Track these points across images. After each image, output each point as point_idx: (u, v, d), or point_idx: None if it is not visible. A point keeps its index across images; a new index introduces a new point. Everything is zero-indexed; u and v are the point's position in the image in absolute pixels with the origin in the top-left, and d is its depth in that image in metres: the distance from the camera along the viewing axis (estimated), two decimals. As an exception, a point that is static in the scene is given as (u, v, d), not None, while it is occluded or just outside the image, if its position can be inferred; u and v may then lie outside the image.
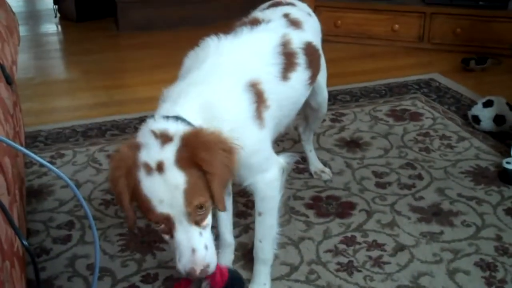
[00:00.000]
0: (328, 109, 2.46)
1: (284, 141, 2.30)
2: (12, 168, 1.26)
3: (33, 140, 2.35)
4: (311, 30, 1.61)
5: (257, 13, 1.64)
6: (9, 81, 1.48)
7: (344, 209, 1.89)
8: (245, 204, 1.89)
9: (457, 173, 2.07)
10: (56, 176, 2.00)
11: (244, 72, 1.37)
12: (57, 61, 3.50)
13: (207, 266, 1.21)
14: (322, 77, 1.83)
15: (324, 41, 3.28)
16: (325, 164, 2.12)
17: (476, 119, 2.34)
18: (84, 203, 1.19)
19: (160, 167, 1.17)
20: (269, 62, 1.45)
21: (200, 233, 1.21)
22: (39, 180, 2.07)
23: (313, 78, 1.61)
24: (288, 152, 2.18)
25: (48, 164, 1.13)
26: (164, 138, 1.20)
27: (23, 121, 2.04)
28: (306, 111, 1.95)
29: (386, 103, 2.64)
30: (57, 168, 2.12)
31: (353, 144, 2.29)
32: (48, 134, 2.41)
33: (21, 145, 1.70)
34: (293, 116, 1.62)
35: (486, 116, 2.31)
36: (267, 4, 1.72)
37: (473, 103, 2.48)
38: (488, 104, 2.32)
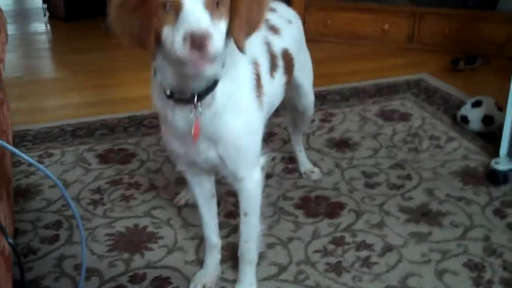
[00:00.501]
0: (318, 109, 2.49)
1: (274, 141, 2.30)
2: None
3: (21, 139, 2.33)
4: (288, 38, 1.60)
5: None
6: (-3, 82, 1.47)
7: (333, 209, 1.89)
8: (234, 204, 1.88)
9: (446, 174, 2.08)
10: (44, 176, 2.00)
11: (248, 50, 1.33)
12: (45, 60, 3.48)
13: (209, 35, 1.07)
14: (308, 80, 1.83)
15: (314, 41, 3.30)
16: (314, 164, 2.12)
17: (465, 120, 2.35)
18: (71, 201, 1.18)
19: None
20: (263, 55, 1.46)
21: (211, 19, 1.10)
22: (26, 179, 2.06)
23: (288, 84, 1.62)
24: (278, 152, 2.21)
25: (35, 163, 1.12)
26: None
27: (11, 120, 2.02)
28: (293, 113, 1.95)
29: (375, 103, 2.65)
30: (45, 167, 2.12)
31: (343, 144, 2.30)
32: (36, 133, 2.39)
33: (9, 143, 1.68)
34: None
35: (474, 116, 2.32)
36: None
37: (462, 103, 2.49)
38: (477, 104, 2.33)
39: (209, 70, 1.16)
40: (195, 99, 1.23)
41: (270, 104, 1.52)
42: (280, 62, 1.54)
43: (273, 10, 1.62)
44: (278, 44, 1.54)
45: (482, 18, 3.14)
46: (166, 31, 1.10)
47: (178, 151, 1.39)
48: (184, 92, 1.23)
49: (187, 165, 1.44)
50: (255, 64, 1.39)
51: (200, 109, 1.25)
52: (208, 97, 1.25)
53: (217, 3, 1.12)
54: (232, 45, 1.21)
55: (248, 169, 1.41)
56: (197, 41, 1.05)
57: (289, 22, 1.66)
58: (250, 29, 1.21)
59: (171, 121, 1.30)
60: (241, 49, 1.19)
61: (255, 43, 1.43)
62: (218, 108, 1.28)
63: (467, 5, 3.18)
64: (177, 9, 1.09)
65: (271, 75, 1.49)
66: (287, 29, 1.61)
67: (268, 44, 1.50)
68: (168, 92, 1.24)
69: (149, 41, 1.13)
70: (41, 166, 1.13)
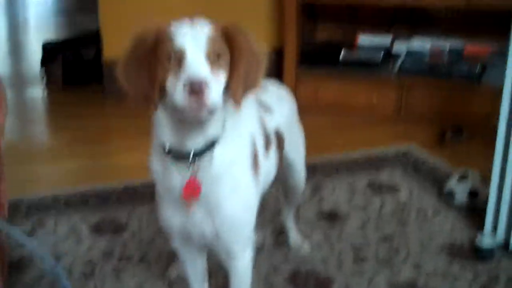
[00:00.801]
0: (308, 181, 2.52)
1: (265, 213, 2.34)
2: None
3: (14, 209, 2.36)
4: (280, 116, 1.67)
5: None
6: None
7: (323, 286, 1.91)
8: (225, 277, 1.90)
9: (433, 247, 2.11)
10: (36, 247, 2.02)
11: (247, 125, 1.42)
12: (41, 126, 3.54)
13: (207, 84, 1.14)
14: (299, 156, 1.89)
15: (304, 111, 3.38)
16: (304, 236, 2.16)
17: (451, 193, 2.40)
18: (64, 278, 1.21)
19: (192, 21, 1.22)
20: (259, 132, 1.52)
21: (211, 72, 1.18)
22: (20, 250, 2.08)
23: (279, 161, 1.68)
24: (269, 223, 2.25)
25: (27, 241, 1.15)
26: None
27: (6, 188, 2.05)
28: (284, 187, 2.00)
29: (364, 175, 2.71)
30: (38, 238, 2.14)
31: (332, 216, 2.34)
32: (30, 203, 2.42)
33: (4, 217, 1.72)
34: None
35: (460, 190, 2.38)
36: None
37: (449, 176, 2.55)
38: (462, 178, 2.39)
39: (208, 123, 1.24)
40: (191, 155, 1.28)
41: (265, 182, 1.57)
42: (273, 140, 1.60)
43: (265, 89, 1.68)
44: (271, 122, 1.60)
45: (467, 91, 3.25)
46: (170, 81, 1.18)
47: (173, 224, 1.42)
48: (182, 148, 1.28)
49: (182, 240, 1.47)
50: (253, 141, 1.44)
51: (196, 167, 1.29)
52: (206, 158, 1.29)
53: (218, 56, 1.20)
54: (232, 108, 1.28)
55: (242, 246, 1.45)
56: (196, 89, 1.13)
57: (281, 100, 1.72)
58: (248, 87, 1.28)
59: (168, 183, 1.34)
60: (237, 104, 1.25)
61: (251, 120, 1.50)
62: (217, 175, 1.32)
63: (453, 78, 3.28)
64: (181, 59, 1.18)
65: (266, 153, 1.54)
66: (279, 108, 1.67)
67: (262, 122, 1.55)
68: (166, 148, 1.29)
69: (153, 93, 1.21)
70: (31, 244, 1.15)
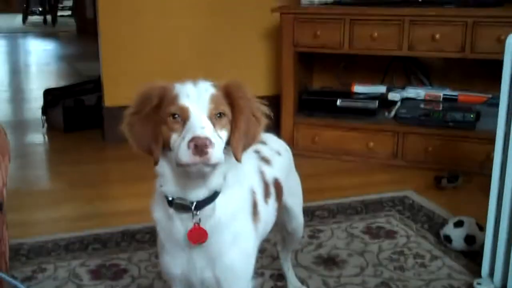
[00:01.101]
0: (306, 225, 2.54)
1: (263, 258, 2.35)
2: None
3: (15, 253, 2.38)
4: (278, 167, 1.71)
5: None
6: (0, 206, 1.54)
7: (321, 330, 1.92)
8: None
9: (430, 293, 2.13)
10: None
11: (247, 177, 1.48)
12: (42, 171, 3.58)
13: (211, 143, 1.21)
14: (297, 203, 1.92)
15: (302, 156, 3.42)
16: (302, 282, 2.17)
17: (448, 239, 2.43)
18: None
19: (195, 82, 1.31)
20: (258, 183, 1.57)
21: (213, 130, 1.25)
22: (19, 295, 2.08)
23: (278, 210, 1.72)
24: (267, 269, 2.26)
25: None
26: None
27: (7, 233, 2.07)
28: (283, 233, 2.03)
29: (362, 220, 2.73)
30: (38, 283, 2.15)
31: (330, 261, 2.35)
32: (30, 248, 2.44)
33: (6, 264, 1.73)
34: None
35: (457, 236, 2.40)
36: None
37: (445, 221, 2.58)
38: (458, 224, 2.42)
39: (211, 176, 1.30)
40: (193, 206, 1.32)
41: (264, 230, 1.60)
42: (272, 190, 1.64)
43: (264, 143, 1.73)
44: (270, 173, 1.65)
45: (462, 137, 3.31)
46: (174, 138, 1.25)
47: (175, 271, 1.45)
48: (184, 199, 1.33)
49: (182, 287, 1.49)
50: (253, 192, 1.50)
51: (198, 217, 1.34)
52: (209, 208, 1.34)
53: (220, 115, 1.28)
54: (234, 161, 1.33)
55: None
56: (199, 147, 1.19)
57: (279, 153, 1.77)
58: (248, 143, 1.35)
59: (171, 231, 1.38)
60: (238, 159, 1.32)
61: (251, 172, 1.56)
62: (219, 224, 1.36)
63: (448, 125, 3.34)
64: (185, 118, 1.25)
65: (265, 202, 1.58)
66: (277, 160, 1.72)
67: (261, 173, 1.61)
68: (169, 198, 1.34)
69: (156, 147, 1.29)
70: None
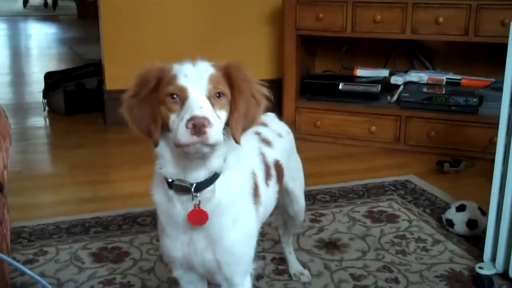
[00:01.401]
0: (308, 209, 2.56)
1: (264, 241, 2.35)
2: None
3: (17, 236, 2.38)
4: (279, 149, 1.70)
5: None
6: (0, 188, 1.54)
7: (322, 313, 1.92)
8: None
9: (432, 277, 2.13)
10: (38, 274, 2.03)
11: (248, 159, 1.47)
12: (44, 155, 3.57)
13: (209, 122, 1.19)
14: (299, 187, 1.91)
15: (304, 140, 3.41)
16: (304, 265, 2.17)
17: (450, 223, 2.42)
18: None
19: (193, 63, 1.29)
20: (259, 165, 1.56)
21: (212, 110, 1.23)
22: (21, 278, 2.09)
23: (279, 193, 1.71)
24: (268, 252, 2.26)
25: (29, 271, 1.17)
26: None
27: (9, 216, 2.07)
28: (284, 217, 2.02)
29: (363, 204, 2.73)
30: (39, 266, 2.16)
31: (332, 245, 2.35)
32: (32, 230, 2.44)
33: (7, 246, 1.73)
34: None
35: (459, 220, 2.40)
36: None
37: (447, 205, 2.58)
38: (461, 208, 2.41)
39: (210, 157, 1.28)
40: (193, 188, 1.31)
41: (265, 213, 1.59)
42: (273, 172, 1.63)
43: (265, 124, 1.73)
44: (271, 155, 1.64)
45: (465, 122, 3.29)
46: (172, 118, 1.24)
47: (175, 253, 1.44)
48: (184, 181, 1.32)
49: (183, 269, 1.49)
50: (254, 174, 1.49)
51: (198, 199, 1.32)
52: (209, 190, 1.33)
53: (219, 95, 1.26)
54: (233, 142, 1.32)
55: (242, 276, 1.47)
56: (198, 127, 1.17)
57: (280, 135, 1.76)
58: (247, 124, 1.34)
59: (171, 213, 1.37)
60: (237, 141, 1.30)
61: (252, 154, 1.55)
62: (219, 206, 1.35)
63: (450, 109, 3.32)
64: (183, 98, 1.23)
65: (266, 184, 1.58)
66: (278, 142, 1.72)
67: (262, 155, 1.60)
68: (169, 180, 1.33)
69: (155, 128, 1.27)
70: (32, 273, 1.17)
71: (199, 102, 1.22)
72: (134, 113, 1.30)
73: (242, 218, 1.42)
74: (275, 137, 1.72)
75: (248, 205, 1.44)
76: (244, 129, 1.33)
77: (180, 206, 1.34)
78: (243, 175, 1.43)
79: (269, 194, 1.59)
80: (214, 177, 1.33)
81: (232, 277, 1.45)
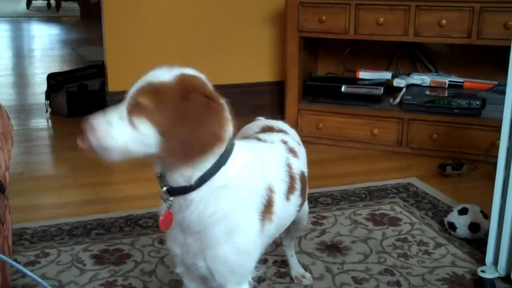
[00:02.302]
0: (310, 212, 2.54)
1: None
2: (1, 277, 1.29)
3: (19, 238, 2.38)
4: (303, 160, 1.66)
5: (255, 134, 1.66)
6: (2, 189, 1.55)
7: (324, 316, 1.92)
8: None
9: (434, 280, 2.12)
10: (40, 277, 2.03)
11: (266, 175, 1.43)
12: (46, 156, 3.57)
13: (92, 127, 1.23)
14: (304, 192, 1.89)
15: (306, 142, 3.41)
16: (305, 268, 2.17)
17: (452, 226, 2.41)
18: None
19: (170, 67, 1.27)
20: (282, 179, 1.51)
21: (120, 117, 1.23)
22: (23, 280, 2.09)
23: (301, 206, 1.67)
24: (270, 255, 2.26)
25: (30, 273, 1.17)
26: None
27: (11, 217, 2.07)
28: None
29: (365, 206, 2.72)
30: (41, 267, 2.16)
31: (334, 248, 2.35)
32: (34, 232, 2.44)
33: (9, 247, 1.73)
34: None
35: (461, 223, 2.39)
36: (256, 126, 1.72)
37: (450, 209, 2.57)
38: (463, 211, 2.40)
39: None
40: (164, 189, 1.31)
41: (278, 229, 1.55)
42: (298, 185, 1.57)
43: (285, 132, 1.68)
44: (297, 167, 1.58)
45: (468, 125, 3.28)
46: None
47: (175, 250, 1.43)
48: (161, 180, 1.32)
49: (184, 267, 1.48)
50: (269, 190, 1.42)
51: (169, 203, 1.32)
52: (180, 199, 1.31)
53: (137, 104, 1.21)
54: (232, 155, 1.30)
55: (236, 285, 1.44)
56: (84, 130, 1.23)
57: (299, 144, 1.71)
58: (191, 144, 1.21)
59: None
60: (174, 160, 1.24)
61: (276, 167, 1.50)
62: (203, 214, 1.31)
63: (453, 112, 3.32)
64: None
65: (288, 198, 1.52)
66: (301, 151, 1.67)
67: (289, 166, 1.54)
68: (158, 176, 1.34)
69: None
70: (35, 276, 1.17)
71: (105, 112, 1.24)
72: None
73: (238, 232, 1.36)
74: (297, 145, 1.67)
75: (249, 220, 1.38)
76: (187, 149, 1.21)
77: (162, 204, 1.35)
78: (245, 190, 1.36)
79: (288, 208, 1.55)
80: (184, 189, 1.29)
81: (225, 286, 1.43)
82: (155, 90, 1.21)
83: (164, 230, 1.37)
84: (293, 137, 1.70)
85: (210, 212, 1.32)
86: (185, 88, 1.22)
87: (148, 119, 1.21)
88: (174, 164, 1.25)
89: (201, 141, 1.21)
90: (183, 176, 1.28)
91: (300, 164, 1.61)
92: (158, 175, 1.33)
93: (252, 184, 1.38)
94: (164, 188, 1.31)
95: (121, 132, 1.23)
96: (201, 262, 1.39)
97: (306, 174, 1.66)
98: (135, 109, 1.22)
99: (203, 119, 1.21)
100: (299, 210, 1.68)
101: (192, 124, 1.20)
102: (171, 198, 1.31)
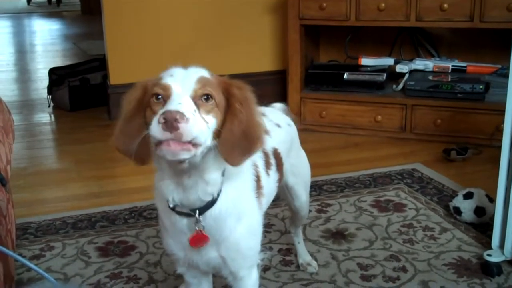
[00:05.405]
0: (314, 200, 2.55)
1: (271, 232, 2.34)
2: (3, 269, 1.29)
3: (23, 232, 2.38)
4: (277, 139, 1.66)
5: None
6: (3, 182, 1.54)
7: (330, 303, 1.91)
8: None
9: (440, 265, 2.11)
10: (46, 270, 2.03)
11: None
12: (49, 150, 3.57)
13: (183, 117, 1.07)
14: (301, 183, 1.88)
15: (310, 130, 3.40)
16: (311, 256, 2.16)
17: (457, 211, 2.40)
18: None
19: (187, 67, 1.21)
20: (259, 155, 1.52)
21: (195, 110, 1.12)
22: (28, 273, 2.09)
23: (279, 182, 1.68)
24: (275, 243, 2.25)
25: (34, 266, 1.17)
26: None
27: (15, 211, 2.07)
28: (290, 209, 2.01)
29: (370, 193, 2.71)
30: (46, 261, 2.16)
31: (339, 235, 2.34)
32: (38, 226, 2.44)
33: (12, 241, 1.73)
34: None
35: (466, 207, 2.38)
36: None
37: (455, 193, 2.56)
38: (468, 196, 2.39)
39: (205, 168, 1.21)
40: (197, 214, 1.28)
41: (267, 203, 1.58)
42: (272, 160, 1.60)
43: (263, 114, 1.69)
44: (268, 143, 1.58)
45: (471, 109, 3.26)
46: (151, 117, 1.14)
47: (178, 254, 1.43)
48: (185, 206, 1.27)
49: (187, 267, 1.47)
50: (255, 166, 1.46)
51: (202, 223, 1.30)
52: (206, 215, 1.30)
53: (207, 97, 1.16)
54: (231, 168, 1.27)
55: (248, 269, 1.46)
56: (169, 121, 1.07)
57: (278, 125, 1.73)
58: (245, 149, 1.23)
59: (172, 227, 1.35)
60: (229, 162, 1.22)
61: None
62: (220, 213, 1.32)
63: (457, 96, 3.30)
64: (167, 97, 1.15)
65: (267, 174, 1.55)
66: (276, 132, 1.68)
67: None
68: (171, 205, 1.28)
69: (136, 141, 1.18)
70: (39, 269, 1.17)
71: (179, 99, 1.12)
72: (124, 137, 1.24)
73: (245, 215, 1.38)
74: (273, 126, 1.69)
75: (251, 201, 1.41)
76: (243, 154, 1.22)
77: (183, 224, 1.32)
78: (245, 176, 1.38)
79: (270, 183, 1.57)
80: (216, 199, 1.29)
81: (238, 271, 1.44)
82: (213, 84, 1.19)
83: (197, 247, 1.34)
84: (270, 119, 1.70)
85: (225, 209, 1.32)
86: (229, 83, 1.24)
87: (216, 112, 1.18)
88: (232, 157, 1.21)
89: (257, 133, 1.24)
90: (209, 180, 1.24)
91: (271, 141, 1.61)
92: (172, 206, 1.29)
93: (246, 168, 1.39)
94: (197, 214, 1.27)
95: (203, 124, 1.15)
96: (213, 254, 1.39)
97: (279, 151, 1.65)
98: (203, 103, 1.16)
99: (254, 113, 1.24)
100: (278, 186, 1.69)
101: (249, 116, 1.23)
102: (201, 220, 1.29)
